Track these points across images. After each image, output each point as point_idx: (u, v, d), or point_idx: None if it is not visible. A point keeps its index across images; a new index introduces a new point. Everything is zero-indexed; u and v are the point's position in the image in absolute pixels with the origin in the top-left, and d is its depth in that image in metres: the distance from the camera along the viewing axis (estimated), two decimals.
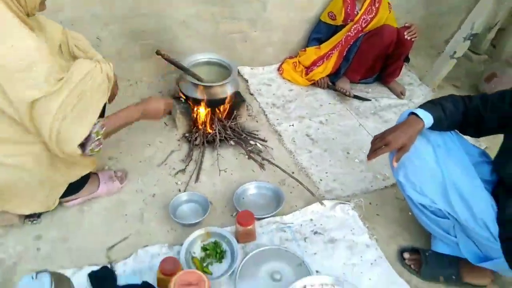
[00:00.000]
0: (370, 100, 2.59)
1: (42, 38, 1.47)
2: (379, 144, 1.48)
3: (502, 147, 1.54)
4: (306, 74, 2.66)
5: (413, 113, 1.49)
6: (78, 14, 2.05)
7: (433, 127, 1.50)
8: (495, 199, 1.48)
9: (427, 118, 1.47)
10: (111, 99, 1.71)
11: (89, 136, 1.45)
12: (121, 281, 1.52)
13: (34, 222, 1.71)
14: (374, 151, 1.50)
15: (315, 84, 2.67)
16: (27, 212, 1.66)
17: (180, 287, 1.33)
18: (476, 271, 1.59)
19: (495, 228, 1.42)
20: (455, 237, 1.57)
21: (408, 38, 2.43)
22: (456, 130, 1.60)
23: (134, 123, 1.67)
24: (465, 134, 1.63)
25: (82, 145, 1.46)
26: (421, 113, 1.47)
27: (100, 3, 2.13)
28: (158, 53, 1.98)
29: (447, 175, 1.46)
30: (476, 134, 1.63)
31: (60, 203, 1.73)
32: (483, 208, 1.44)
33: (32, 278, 1.24)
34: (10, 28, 1.29)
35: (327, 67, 2.61)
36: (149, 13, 2.30)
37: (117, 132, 1.65)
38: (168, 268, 1.45)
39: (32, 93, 1.32)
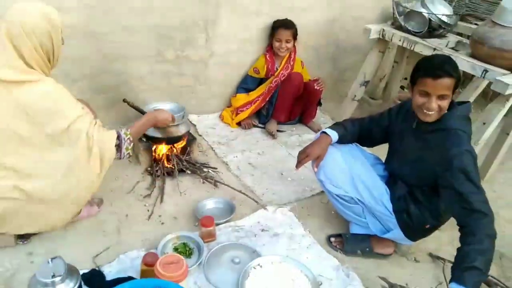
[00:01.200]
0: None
1: None
2: (302, 156, 2.05)
3: (388, 152, 2.17)
4: (237, 114, 3.20)
5: (323, 132, 2.09)
6: (52, 72, 2.45)
7: (339, 141, 2.09)
8: (388, 186, 2.08)
9: (334, 135, 2.06)
10: None
11: (119, 136, 1.91)
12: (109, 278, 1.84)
13: (25, 242, 1.95)
14: (299, 162, 2.07)
15: (240, 125, 3.21)
16: (23, 232, 1.92)
17: (164, 265, 1.68)
18: (382, 243, 2.11)
19: (390, 206, 1.99)
20: (365, 218, 2.10)
21: (317, 88, 3.11)
22: (356, 143, 2.21)
23: None
24: (363, 145, 2.24)
25: (118, 148, 1.91)
26: (329, 131, 2.07)
27: (71, 63, 2.55)
28: (124, 101, 2.43)
29: (353, 171, 2.03)
30: (370, 144, 2.25)
31: None
32: (380, 192, 2.01)
33: (48, 262, 1.54)
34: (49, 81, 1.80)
35: (250, 110, 3.19)
36: (111, 71, 2.74)
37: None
38: (150, 260, 1.77)
39: (64, 122, 1.76)
